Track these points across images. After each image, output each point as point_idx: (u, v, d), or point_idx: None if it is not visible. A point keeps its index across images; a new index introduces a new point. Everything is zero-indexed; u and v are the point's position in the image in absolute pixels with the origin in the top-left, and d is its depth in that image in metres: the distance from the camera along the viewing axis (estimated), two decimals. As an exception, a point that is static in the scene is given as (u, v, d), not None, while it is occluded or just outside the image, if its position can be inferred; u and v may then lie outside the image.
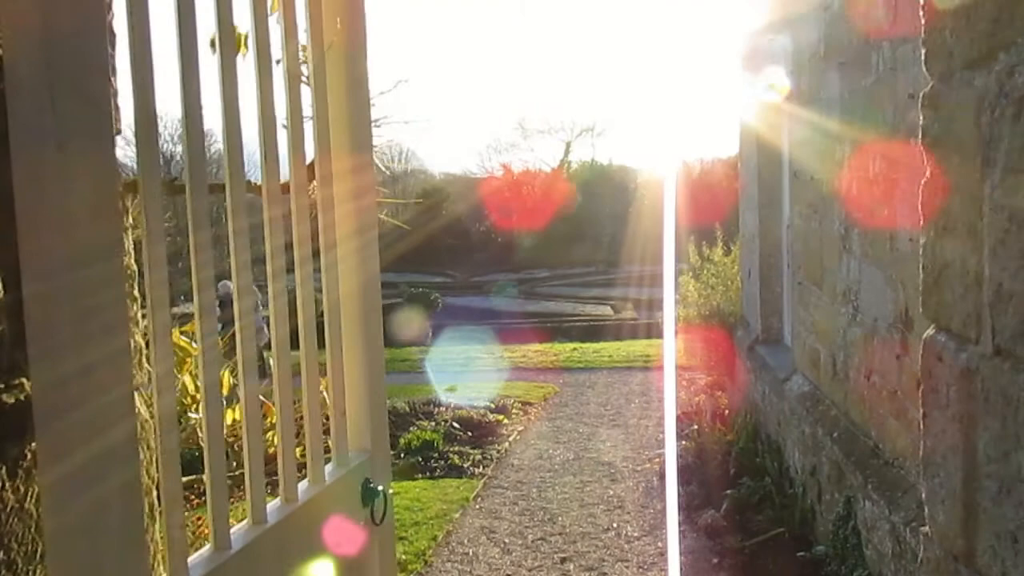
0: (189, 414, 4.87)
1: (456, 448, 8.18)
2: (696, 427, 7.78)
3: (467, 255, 53.84)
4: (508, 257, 52.63)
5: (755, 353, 7.64)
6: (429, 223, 56.63)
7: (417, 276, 45.80)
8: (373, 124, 2.54)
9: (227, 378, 4.12)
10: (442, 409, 9.98)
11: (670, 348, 10.91)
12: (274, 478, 1.92)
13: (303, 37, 2.05)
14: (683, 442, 7.60)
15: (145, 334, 1.60)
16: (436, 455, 7.88)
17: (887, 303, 4.08)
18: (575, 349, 16.19)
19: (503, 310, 32.96)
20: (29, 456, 1.19)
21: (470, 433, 8.96)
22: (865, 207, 4.36)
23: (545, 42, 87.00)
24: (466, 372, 14.25)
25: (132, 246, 1.60)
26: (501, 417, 9.56)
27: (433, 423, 9.23)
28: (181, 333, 4.79)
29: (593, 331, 22.08)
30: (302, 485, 1.98)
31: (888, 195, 4.00)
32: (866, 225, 4.38)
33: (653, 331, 18.71)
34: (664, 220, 8.92)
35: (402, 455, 7.92)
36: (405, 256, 53.80)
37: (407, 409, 9.93)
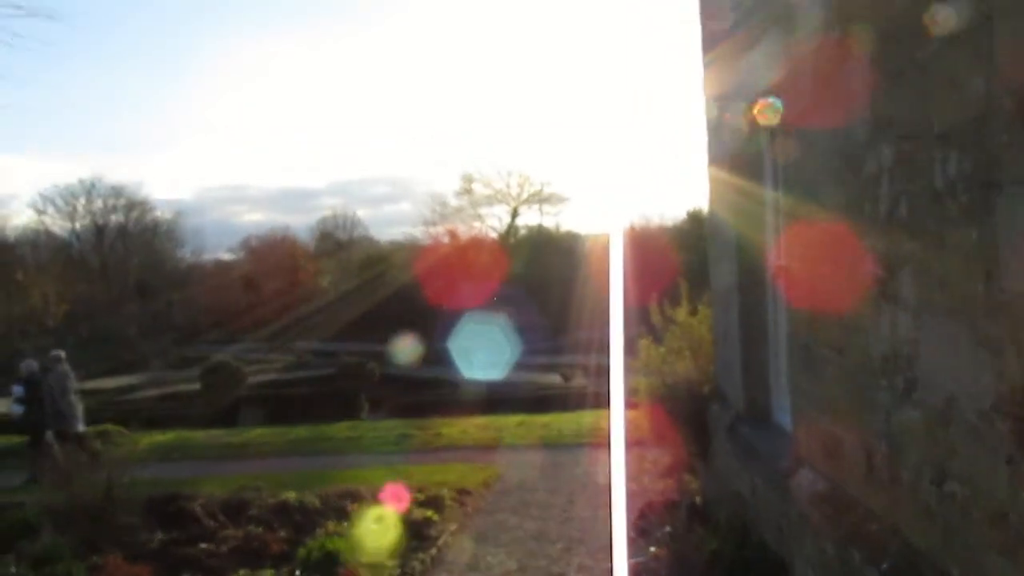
0: None
1: (369, 560, 6.49)
2: (669, 528, 6.26)
3: (411, 323, 52.12)
4: (454, 324, 51.08)
5: (737, 434, 6.19)
6: (373, 291, 54.99)
7: (359, 345, 43.89)
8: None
9: None
10: (360, 503, 8.29)
11: (618, 429, 9.45)
12: None
13: None
14: (653, 548, 6.06)
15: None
16: (340, 572, 6.18)
17: (978, 375, 2.69)
18: (521, 423, 14.58)
19: (445, 379, 31.20)
20: None
21: (391, 535, 7.29)
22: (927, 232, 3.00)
23: (492, 106, 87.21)
24: (397, 453, 12.55)
25: None
26: (431, 513, 7.89)
27: (346, 523, 7.54)
28: None
29: (541, 402, 20.47)
30: None
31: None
32: (929, 260, 3.01)
33: (605, 401, 17.27)
34: (611, 282, 7.65)
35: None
36: (350, 323, 52.00)
37: (317, 504, 8.22)
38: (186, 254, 69.54)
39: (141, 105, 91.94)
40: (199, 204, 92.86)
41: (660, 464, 10.01)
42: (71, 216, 65.65)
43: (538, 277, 45.88)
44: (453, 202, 63.63)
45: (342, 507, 8.17)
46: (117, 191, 65.66)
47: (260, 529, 7.44)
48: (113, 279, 62.92)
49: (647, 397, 9.54)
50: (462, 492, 9.08)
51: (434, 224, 64.56)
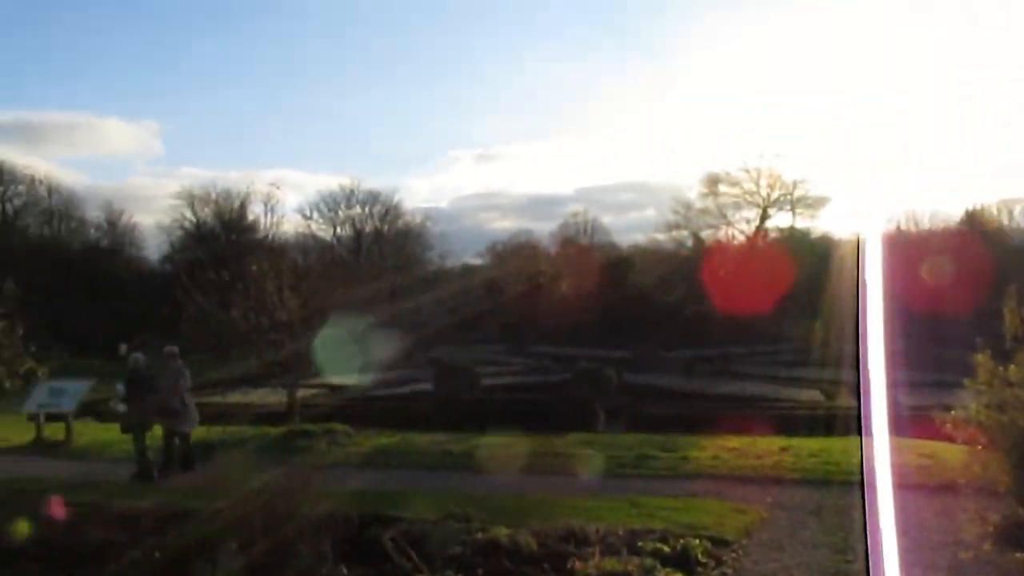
0: None
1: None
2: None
3: (651, 329, 49.87)
4: (696, 331, 48.14)
5: None
6: (611, 295, 53.44)
7: (596, 350, 42.42)
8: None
9: None
10: (585, 552, 6.49)
11: (883, 468, 7.14)
12: None
13: None
14: None
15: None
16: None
17: None
18: (784, 449, 12.12)
19: (690, 391, 28.75)
20: None
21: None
22: None
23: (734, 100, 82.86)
24: (635, 478, 10.65)
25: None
26: None
27: (566, 580, 5.79)
28: None
29: (802, 422, 17.60)
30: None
31: None
32: None
33: (887, 426, 14.26)
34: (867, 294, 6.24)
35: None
36: (586, 329, 50.80)
37: (533, 547, 6.53)
38: (434, 258, 72.07)
39: (403, 120, 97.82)
40: (453, 212, 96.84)
41: (987, 520, 7.36)
42: (333, 221, 70.46)
43: (791, 283, 41.96)
44: (697, 204, 60.63)
45: (562, 553, 6.43)
46: (373, 197, 69.50)
47: (459, 576, 5.88)
48: (368, 281, 66.29)
49: (976, 429, 7.00)
50: (717, 543, 7.01)
51: (677, 228, 61.89)
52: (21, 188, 62.34)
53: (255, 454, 12.03)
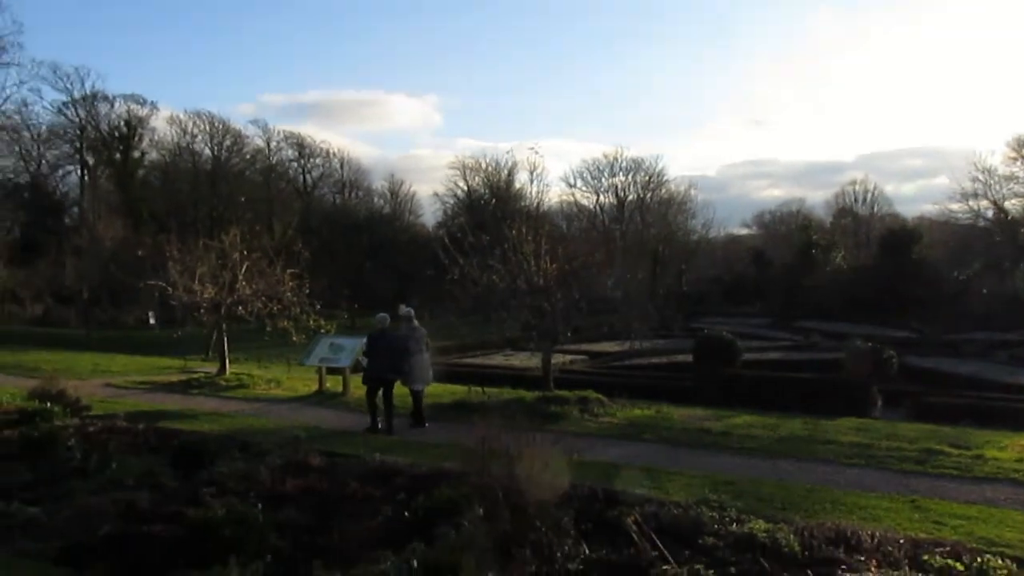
0: None
1: None
2: None
3: (940, 308, 44.93)
4: (994, 312, 42.65)
5: None
6: (893, 270, 48.77)
7: (874, 329, 39.01)
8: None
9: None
10: (856, 556, 5.64)
11: None
12: None
13: None
14: None
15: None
16: None
17: None
18: (1113, 457, 10.12)
19: (985, 379, 25.43)
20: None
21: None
22: None
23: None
24: (918, 475, 9.35)
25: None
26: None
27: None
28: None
29: None
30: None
31: None
32: None
33: None
34: None
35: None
36: (862, 305, 46.80)
37: (795, 547, 5.77)
38: (697, 227, 70.18)
39: (670, 87, 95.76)
40: (720, 180, 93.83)
41: None
42: (596, 189, 70.80)
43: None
44: (1001, 170, 53.54)
45: (829, 559, 5.62)
46: (636, 164, 68.87)
47: (711, 574, 5.31)
48: (630, 249, 65.97)
49: None
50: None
51: (974, 196, 55.13)
52: (318, 161, 69.19)
53: (504, 418, 12.11)
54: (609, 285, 15.42)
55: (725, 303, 59.34)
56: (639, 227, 66.93)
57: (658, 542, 5.70)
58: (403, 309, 13.32)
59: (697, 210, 70.14)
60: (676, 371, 24.24)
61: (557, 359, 19.84)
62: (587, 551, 5.71)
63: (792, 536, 5.96)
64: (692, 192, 70.35)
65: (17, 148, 56.51)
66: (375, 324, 12.80)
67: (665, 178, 69.41)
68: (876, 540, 6.02)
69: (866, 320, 43.55)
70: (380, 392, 12.07)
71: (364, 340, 13.38)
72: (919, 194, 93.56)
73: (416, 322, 12.95)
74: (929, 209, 63.59)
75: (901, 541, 6.09)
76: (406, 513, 6.52)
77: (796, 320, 47.23)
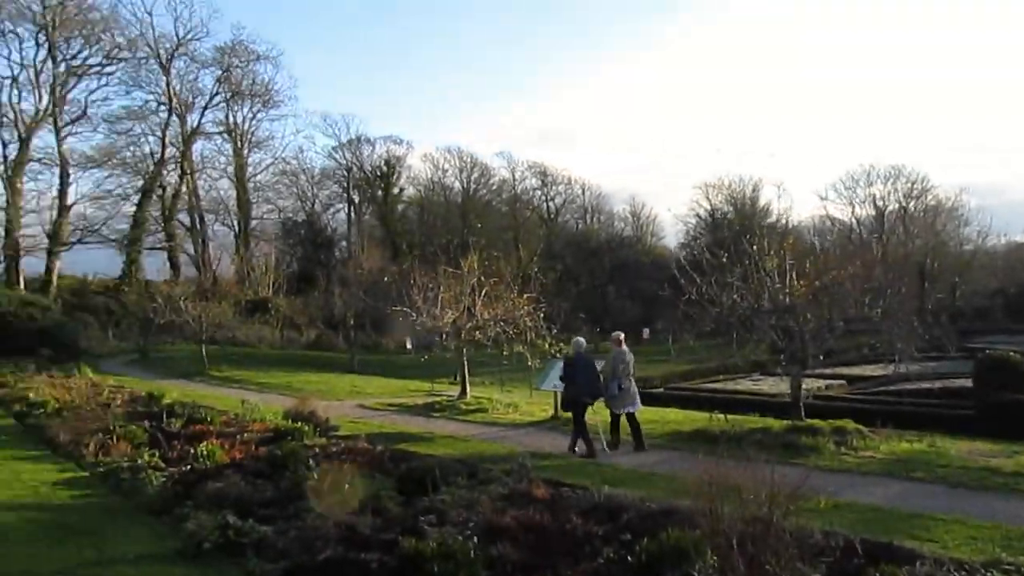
0: None
1: None
2: None
3: None
4: None
5: None
6: None
7: None
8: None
9: None
10: None
11: None
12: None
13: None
14: None
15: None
16: None
17: None
18: None
19: None
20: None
21: None
22: None
23: None
24: None
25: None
26: None
27: None
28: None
29: None
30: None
31: None
32: None
33: None
34: None
35: None
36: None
37: None
38: (971, 235, 63.10)
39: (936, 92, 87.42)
40: (998, 183, 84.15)
41: None
42: (851, 201, 65.97)
43: None
44: None
45: None
46: (896, 172, 63.43)
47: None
48: (893, 262, 60.57)
49: None
50: None
51: None
52: (560, 188, 70.49)
53: (746, 449, 11.10)
54: (867, 302, 13.80)
55: (1009, 319, 52.68)
56: (901, 238, 61.44)
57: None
58: (614, 333, 13.36)
59: (970, 217, 63.15)
60: (951, 397, 21.47)
61: (810, 384, 18.28)
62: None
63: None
64: (964, 198, 63.46)
65: (295, 190, 63.33)
66: (572, 348, 12.92)
67: (930, 184, 63.23)
68: None
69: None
70: (581, 415, 12.18)
71: (560, 364, 13.45)
72: None
73: (624, 346, 12.85)
74: None
75: None
76: (629, 557, 5.91)
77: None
